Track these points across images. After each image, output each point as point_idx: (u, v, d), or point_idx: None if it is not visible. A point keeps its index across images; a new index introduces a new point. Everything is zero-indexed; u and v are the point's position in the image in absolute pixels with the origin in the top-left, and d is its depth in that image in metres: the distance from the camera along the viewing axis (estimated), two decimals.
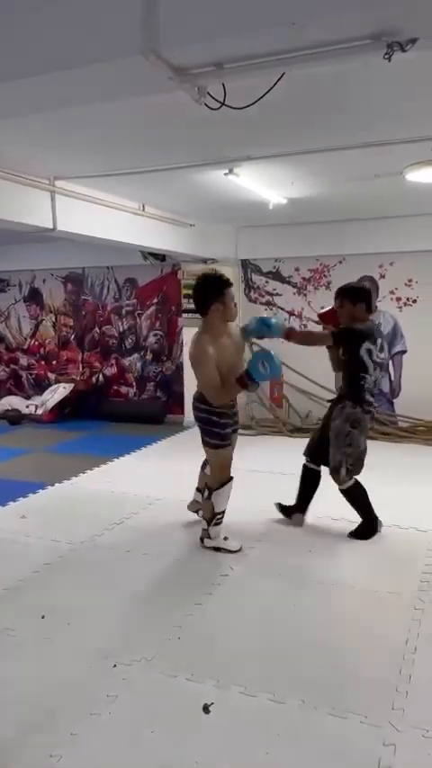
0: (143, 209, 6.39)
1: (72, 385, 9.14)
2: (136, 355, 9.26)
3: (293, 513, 4.66)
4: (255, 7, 1.84)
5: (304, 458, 4.63)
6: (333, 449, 4.26)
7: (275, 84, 2.24)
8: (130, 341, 9.29)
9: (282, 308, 8.22)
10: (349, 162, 4.66)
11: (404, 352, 7.72)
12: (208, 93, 2.28)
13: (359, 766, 2.19)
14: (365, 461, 4.39)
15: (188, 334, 8.30)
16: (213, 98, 2.30)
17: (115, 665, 2.80)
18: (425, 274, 7.45)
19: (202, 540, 4.16)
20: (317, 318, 7.96)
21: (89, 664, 2.83)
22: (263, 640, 3.04)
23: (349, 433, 4.21)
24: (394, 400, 7.82)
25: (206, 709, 2.52)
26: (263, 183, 5.43)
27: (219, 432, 4.07)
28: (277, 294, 8.25)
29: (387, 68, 2.06)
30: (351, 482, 4.30)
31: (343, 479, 4.27)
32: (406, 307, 7.66)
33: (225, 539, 4.12)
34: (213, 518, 4.09)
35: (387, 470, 6.09)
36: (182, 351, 8.55)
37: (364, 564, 3.94)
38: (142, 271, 8.92)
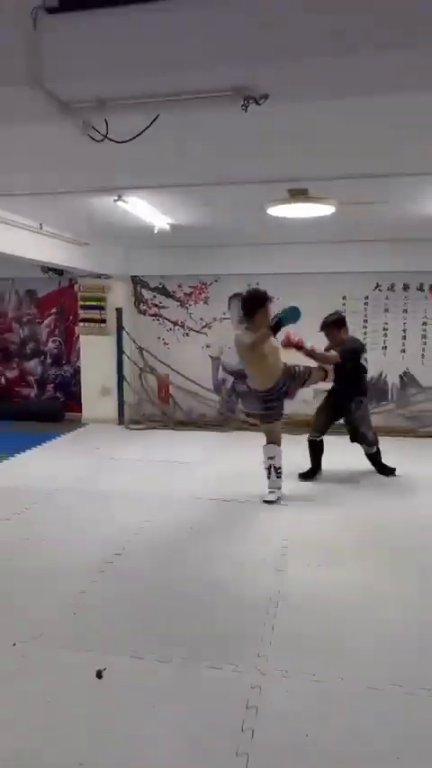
0: (41, 228, 6.10)
1: None
2: (36, 360, 8.85)
3: (314, 474, 5.30)
4: (130, 51, 1.80)
5: (314, 435, 5.27)
6: (364, 428, 5.11)
7: (151, 123, 2.21)
8: (30, 347, 8.85)
9: (167, 319, 8.21)
10: (221, 195, 4.74)
11: None
12: (92, 127, 2.20)
13: (233, 708, 2.23)
14: None
15: (85, 341, 8.12)
16: (97, 131, 2.23)
17: (15, 644, 2.65)
18: (285, 292, 7.74)
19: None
20: (198, 328, 8.15)
21: None
22: (152, 609, 3.00)
23: (369, 416, 5.21)
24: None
25: (99, 674, 2.45)
26: (148, 210, 5.39)
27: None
28: (163, 307, 8.22)
29: (248, 119, 2.12)
30: (375, 449, 5.21)
31: (373, 445, 5.18)
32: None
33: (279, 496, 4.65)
34: (273, 472, 4.66)
35: (253, 454, 6.29)
36: (79, 356, 8.29)
37: (237, 537, 4.00)
38: (42, 283, 8.52)
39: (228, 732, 2.11)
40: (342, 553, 3.70)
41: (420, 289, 7.42)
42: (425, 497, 4.81)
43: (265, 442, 4.76)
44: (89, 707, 2.26)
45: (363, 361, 5.25)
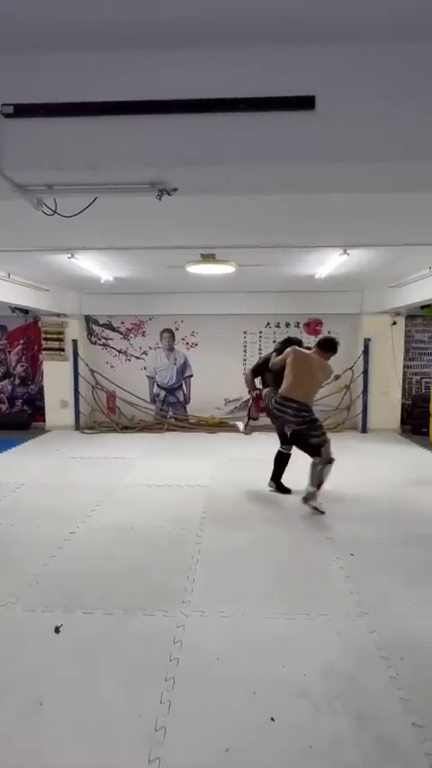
0: (9, 277, 5.78)
1: None
2: (7, 381, 8.30)
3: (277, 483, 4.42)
4: (72, 151, 1.78)
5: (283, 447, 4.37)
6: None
7: (90, 204, 2.19)
8: (1, 370, 8.29)
9: (113, 348, 8.04)
10: (151, 256, 4.74)
11: (191, 376, 8.04)
12: (44, 204, 2.14)
13: (163, 644, 2.20)
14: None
15: (47, 365, 7.74)
16: (48, 207, 2.17)
17: None
18: (202, 328, 7.89)
19: (306, 500, 3.94)
20: (137, 355, 8.04)
21: None
22: (99, 574, 2.89)
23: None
24: (187, 405, 8.09)
25: (57, 629, 2.32)
26: (96, 265, 5.28)
27: (321, 424, 3.99)
28: (110, 339, 8.04)
29: (165, 203, 2.15)
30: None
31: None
32: (192, 348, 7.99)
33: (320, 503, 3.92)
34: (321, 486, 3.91)
35: (181, 450, 6.28)
36: (43, 377, 7.88)
37: (167, 512, 3.95)
38: (11, 320, 8.04)
39: (159, 662, 2.07)
40: (243, 520, 3.76)
41: (296, 326, 7.82)
42: (301, 473, 5.01)
43: (318, 460, 3.93)
44: (49, 656, 2.13)
45: None
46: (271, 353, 4.44)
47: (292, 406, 3.91)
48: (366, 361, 7.36)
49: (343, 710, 1.83)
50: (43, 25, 1.61)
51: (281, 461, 4.39)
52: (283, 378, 4.03)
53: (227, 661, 2.09)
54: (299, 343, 4.30)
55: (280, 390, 3.99)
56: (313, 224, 3.51)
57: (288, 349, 4.09)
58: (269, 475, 4.55)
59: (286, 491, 4.33)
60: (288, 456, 4.37)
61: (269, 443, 5.39)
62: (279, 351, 4.32)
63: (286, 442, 4.34)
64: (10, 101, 1.73)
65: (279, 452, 4.39)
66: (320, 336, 4.18)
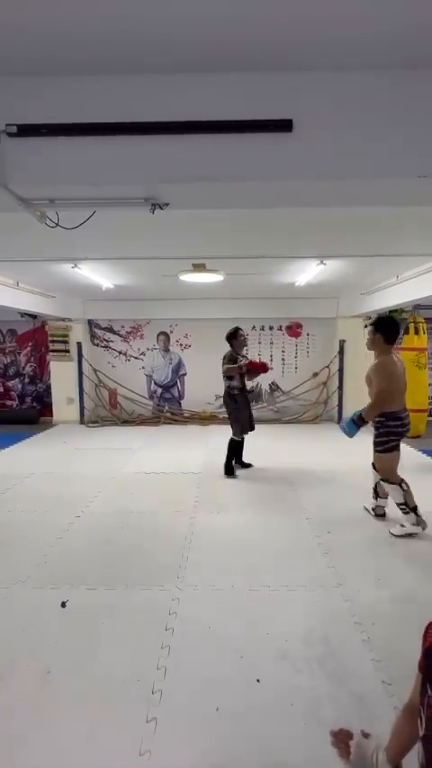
0: (18, 285, 5.68)
1: None
2: (17, 380, 8.19)
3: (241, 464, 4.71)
4: (70, 167, 1.75)
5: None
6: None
7: (89, 218, 2.15)
8: (12, 370, 8.18)
9: (114, 349, 7.97)
10: (147, 266, 4.70)
11: (185, 374, 8.01)
12: (47, 217, 2.09)
13: (159, 616, 2.18)
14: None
15: (54, 365, 7.64)
16: (51, 220, 2.13)
17: None
18: (194, 331, 7.86)
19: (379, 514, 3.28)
20: (136, 356, 7.98)
21: None
22: (102, 554, 2.87)
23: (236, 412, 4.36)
24: (181, 401, 8.06)
25: (63, 604, 2.30)
26: (97, 274, 5.22)
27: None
28: (111, 341, 7.97)
29: (158, 217, 2.12)
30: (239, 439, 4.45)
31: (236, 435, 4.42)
32: (185, 349, 7.96)
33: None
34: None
35: (176, 441, 6.26)
36: (50, 376, 7.79)
37: (163, 498, 3.92)
38: (20, 324, 7.94)
39: (155, 632, 2.06)
40: (231, 503, 3.76)
41: (279, 329, 7.83)
42: (284, 461, 5.03)
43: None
44: (56, 629, 2.11)
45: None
46: (229, 359, 4.23)
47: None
48: (341, 360, 7.41)
49: (321, 671, 1.84)
50: (46, 52, 1.57)
51: (240, 447, 4.53)
52: (384, 394, 2.89)
53: (217, 629, 2.09)
54: (237, 332, 4.26)
55: (395, 409, 2.92)
56: (293, 236, 3.50)
57: (381, 364, 2.93)
58: (256, 461, 4.55)
59: (248, 465, 4.57)
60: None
61: (253, 435, 5.40)
62: (229, 340, 4.29)
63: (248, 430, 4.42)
64: (14, 121, 1.69)
65: (236, 441, 4.41)
66: (376, 318, 3.05)
